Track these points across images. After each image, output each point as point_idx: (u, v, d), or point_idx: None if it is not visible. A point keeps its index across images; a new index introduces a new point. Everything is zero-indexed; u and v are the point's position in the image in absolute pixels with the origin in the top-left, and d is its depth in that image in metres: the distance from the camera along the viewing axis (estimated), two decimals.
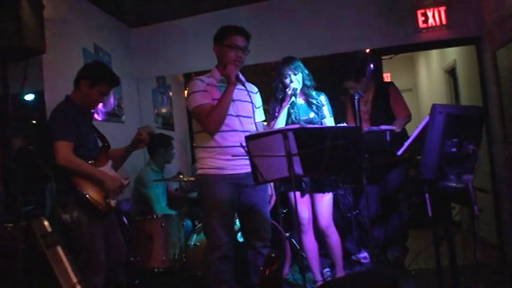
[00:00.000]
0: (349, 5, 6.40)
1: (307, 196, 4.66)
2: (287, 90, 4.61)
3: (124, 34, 6.93)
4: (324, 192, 4.66)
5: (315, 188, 4.62)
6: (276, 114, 4.67)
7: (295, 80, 4.62)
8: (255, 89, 4.30)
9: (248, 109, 4.11)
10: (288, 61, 4.69)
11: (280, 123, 4.57)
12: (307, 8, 6.51)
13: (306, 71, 4.70)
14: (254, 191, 4.04)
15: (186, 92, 4.16)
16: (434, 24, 6.12)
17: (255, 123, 4.09)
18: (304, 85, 4.67)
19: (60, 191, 3.91)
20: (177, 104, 9.05)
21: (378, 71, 6.99)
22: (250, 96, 4.13)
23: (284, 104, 4.60)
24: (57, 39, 4.82)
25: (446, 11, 6.09)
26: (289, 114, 4.64)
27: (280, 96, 4.72)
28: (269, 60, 6.82)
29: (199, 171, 4.06)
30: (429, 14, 6.12)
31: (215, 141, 3.93)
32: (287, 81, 4.63)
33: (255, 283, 4.05)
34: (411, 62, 11.08)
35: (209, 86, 4.01)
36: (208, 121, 3.89)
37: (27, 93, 4.93)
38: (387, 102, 5.81)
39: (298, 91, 4.63)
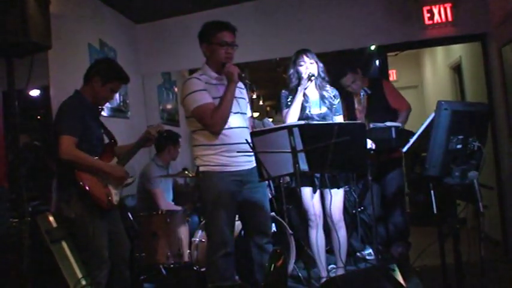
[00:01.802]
0: (354, 2, 6.40)
1: (317, 191, 4.67)
2: (303, 74, 4.61)
3: (129, 30, 6.93)
4: (338, 187, 4.66)
5: (329, 183, 4.62)
6: (289, 102, 4.68)
7: (311, 67, 4.63)
8: (242, 84, 4.23)
9: (244, 105, 4.13)
10: (304, 50, 4.72)
11: (295, 109, 4.58)
12: (313, 5, 6.50)
13: (321, 64, 4.70)
14: (255, 187, 4.02)
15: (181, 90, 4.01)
16: (440, 21, 6.11)
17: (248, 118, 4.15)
18: (318, 76, 4.67)
19: (63, 186, 3.92)
20: None
21: (384, 68, 6.98)
22: (241, 92, 4.14)
23: (300, 88, 4.60)
24: (63, 35, 4.81)
25: (452, 8, 6.08)
26: (302, 109, 4.64)
27: (295, 84, 4.71)
28: (274, 56, 6.84)
29: (202, 168, 3.99)
30: (435, 10, 6.11)
31: (219, 139, 3.89)
32: (302, 68, 4.64)
33: (259, 280, 4.05)
34: (417, 58, 11.05)
35: (207, 85, 3.95)
36: (213, 122, 3.82)
37: (33, 89, 4.94)
38: (383, 97, 5.78)
39: (314, 76, 4.63)
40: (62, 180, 3.96)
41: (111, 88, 4.02)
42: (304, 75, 4.60)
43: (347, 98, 5.81)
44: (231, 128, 3.90)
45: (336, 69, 5.90)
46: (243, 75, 3.93)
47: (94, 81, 3.98)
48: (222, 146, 3.88)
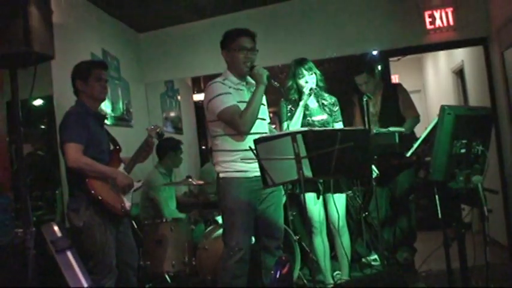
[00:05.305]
0: (356, 7, 6.41)
1: (320, 197, 4.66)
2: (304, 89, 4.61)
3: (132, 39, 6.95)
4: (341, 192, 4.66)
5: (332, 189, 4.61)
6: (289, 114, 4.69)
7: (310, 80, 4.62)
8: None
9: (264, 111, 4.13)
10: (302, 62, 4.71)
11: (296, 123, 4.59)
12: (315, 11, 6.51)
13: (318, 72, 4.70)
14: (272, 191, 4.03)
15: (202, 96, 4.01)
16: (441, 25, 6.12)
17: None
18: (317, 86, 4.67)
19: (73, 195, 3.92)
20: (186, 107, 9.07)
21: (386, 73, 6.97)
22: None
23: (301, 103, 4.60)
24: (66, 45, 4.83)
25: (453, 12, 6.09)
26: (303, 116, 4.64)
27: (295, 97, 4.72)
28: (277, 63, 6.83)
29: (222, 175, 3.98)
30: (436, 15, 6.12)
31: (238, 145, 3.89)
32: (302, 81, 4.64)
33: (265, 285, 4.04)
34: (419, 63, 11.07)
35: (231, 89, 3.95)
36: (242, 122, 3.80)
37: (36, 99, 4.96)
38: (396, 103, 5.78)
39: (314, 91, 4.63)
40: (71, 189, 3.95)
41: (94, 79, 3.99)
42: (305, 90, 4.60)
43: (360, 101, 5.82)
44: (252, 133, 3.86)
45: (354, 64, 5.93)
46: (275, 83, 3.98)
47: (79, 86, 3.99)
48: (240, 152, 3.87)
